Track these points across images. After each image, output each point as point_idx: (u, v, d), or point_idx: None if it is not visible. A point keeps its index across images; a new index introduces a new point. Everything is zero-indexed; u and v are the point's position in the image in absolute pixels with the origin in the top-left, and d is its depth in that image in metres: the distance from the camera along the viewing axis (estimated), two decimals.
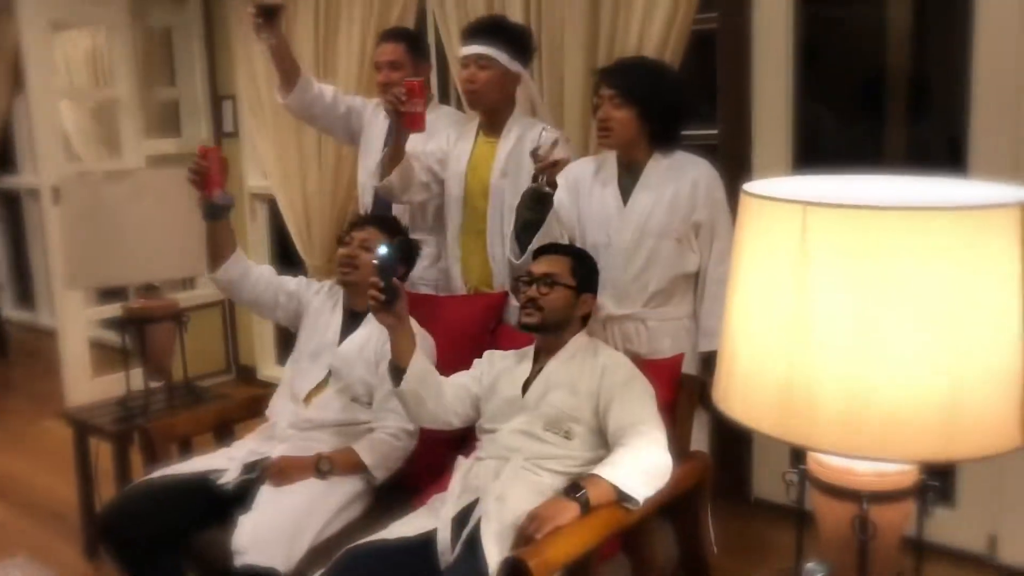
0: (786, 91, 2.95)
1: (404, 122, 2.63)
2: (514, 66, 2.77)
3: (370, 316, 2.49)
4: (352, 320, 2.54)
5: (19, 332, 6.48)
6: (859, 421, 1.17)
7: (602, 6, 3.10)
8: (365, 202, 3.29)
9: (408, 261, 2.60)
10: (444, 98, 3.94)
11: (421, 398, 2.14)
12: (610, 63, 2.65)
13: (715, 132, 3.11)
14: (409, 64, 3.12)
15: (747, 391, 1.29)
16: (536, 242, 2.37)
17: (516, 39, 2.79)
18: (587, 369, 2.15)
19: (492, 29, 2.79)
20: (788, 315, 1.21)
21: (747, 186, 1.33)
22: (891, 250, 1.12)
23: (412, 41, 3.19)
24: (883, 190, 1.35)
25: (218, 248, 2.55)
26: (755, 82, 2.98)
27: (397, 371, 2.11)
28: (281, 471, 2.27)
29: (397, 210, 3.07)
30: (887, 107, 3.16)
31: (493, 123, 2.84)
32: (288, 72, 3.06)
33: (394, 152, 2.76)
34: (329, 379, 2.48)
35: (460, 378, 2.29)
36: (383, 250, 2.04)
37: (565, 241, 2.48)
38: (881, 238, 1.12)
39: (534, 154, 2.30)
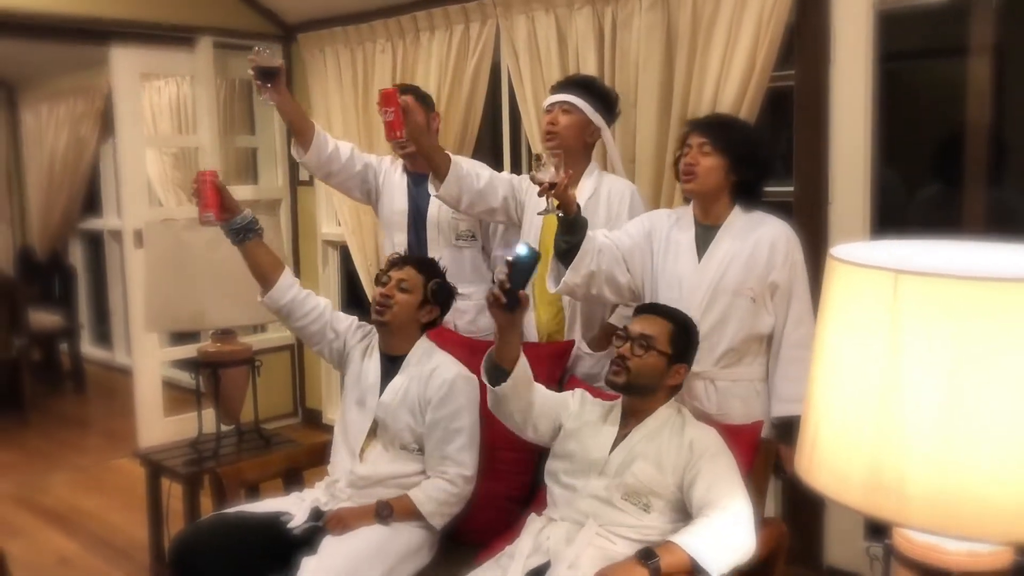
0: (864, 150, 2.90)
1: (385, 132, 2.65)
2: (596, 118, 2.81)
3: (408, 361, 2.51)
4: (390, 365, 2.53)
5: (96, 369, 6.68)
6: (952, 499, 1.13)
7: (677, 62, 3.12)
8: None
9: (444, 305, 2.59)
10: (515, 154, 3.98)
11: (509, 404, 2.16)
12: (699, 117, 2.68)
13: (790, 189, 3.07)
14: (420, 112, 3.17)
15: (833, 463, 1.25)
16: (571, 272, 2.38)
17: (601, 94, 2.87)
18: (674, 444, 2.09)
19: (580, 82, 2.89)
20: (877, 387, 1.17)
21: (834, 250, 1.31)
22: (988, 322, 1.08)
23: (418, 92, 3.27)
24: (975, 257, 1.31)
25: (257, 271, 2.53)
26: (832, 141, 2.95)
27: (496, 371, 2.11)
28: (341, 520, 2.29)
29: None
30: (966, 168, 3.09)
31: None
32: (301, 130, 3.01)
33: (429, 165, 2.78)
34: (377, 430, 2.48)
35: (555, 402, 2.25)
36: (523, 250, 1.96)
37: (622, 280, 2.47)
38: (978, 310, 1.09)
39: (532, 179, 2.32)
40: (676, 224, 2.52)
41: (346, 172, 3.19)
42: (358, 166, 3.22)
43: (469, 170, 2.84)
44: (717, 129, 2.44)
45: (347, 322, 2.65)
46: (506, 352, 2.10)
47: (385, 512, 2.32)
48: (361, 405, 2.51)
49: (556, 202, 2.33)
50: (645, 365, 2.12)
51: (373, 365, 2.55)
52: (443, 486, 2.37)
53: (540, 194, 2.32)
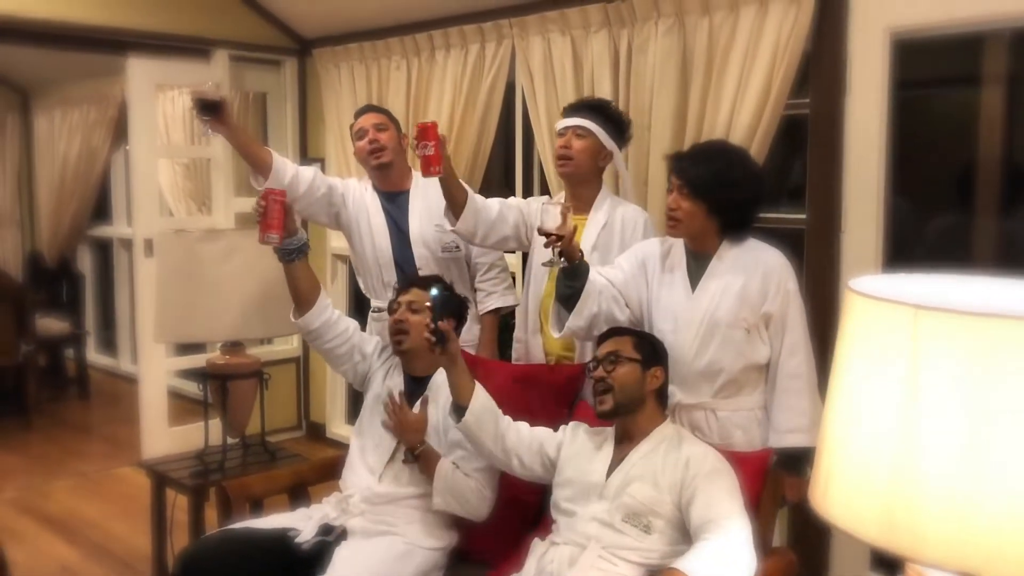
0: (879, 179, 2.90)
1: (421, 167, 2.60)
2: (609, 143, 2.80)
3: (432, 384, 2.52)
4: (415, 386, 2.55)
5: (101, 376, 6.68)
6: (968, 537, 1.12)
7: (692, 87, 3.13)
8: (372, 283, 3.27)
9: (457, 315, 2.58)
10: (527, 174, 3.99)
11: (479, 437, 2.21)
12: (683, 149, 2.60)
13: (803, 217, 3.07)
14: (392, 126, 3.19)
15: (848, 497, 1.25)
16: (574, 316, 2.39)
17: (614, 119, 2.85)
18: (670, 461, 2.10)
19: (593, 106, 2.87)
20: (894, 422, 1.17)
21: (852, 283, 1.31)
22: (1010, 361, 1.08)
23: (388, 112, 3.29)
24: (996, 293, 1.31)
25: (297, 291, 2.55)
26: (846, 169, 2.95)
27: (458, 408, 2.20)
28: (401, 422, 2.38)
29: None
30: (979, 198, 3.09)
31: (580, 199, 2.83)
32: (256, 159, 2.93)
33: (446, 198, 2.76)
34: (399, 451, 2.47)
35: (538, 432, 2.31)
36: (433, 292, 2.32)
37: (620, 317, 2.46)
38: (1000, 347, 1.09)
39: (539, 231, 2.34)
40: (669, 254, 2.50)
41: (310, 197, 3.09)
42: (321, 190, 3.13)
43: (483, 202, 2.83)
44: (694, 170, 2.34)
45: (372, 344, 2.68)
46: (459, 387, 2.19)
47: (409, 458, 2.40)
48: (385, 425, 2.51)
49: (559, 253, 2.34)
50: (622, 376, 2.17)
51: (397, 387, 2.55)
52: (470, 484, 2.35)
53: (546, 246, 2.33)
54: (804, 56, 2.94)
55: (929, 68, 3.30)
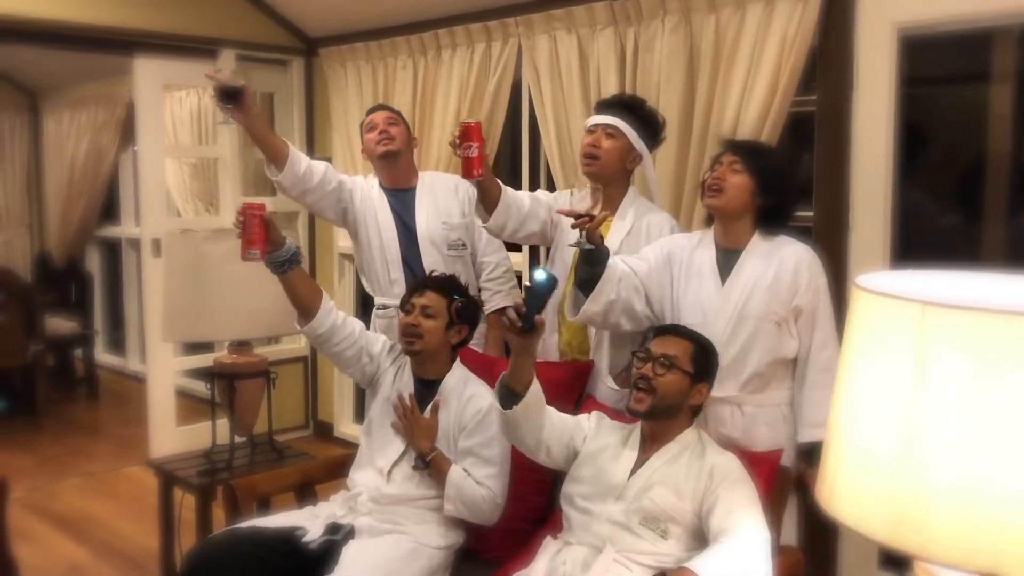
0: (886, 176, 2.89)
1: (463, 169, 2.47)
2: (639, 145, 2.71)
3: (444, 386, 2.51)
4: (425, 389, 2.52)
5: (109, 376, 6.70)
6: (977, 534, 1.12)
7: (698, 85, 3.12)
8: (378, 280, 3.26)
9: (472, 322, 2.58)
10: (534, 172, 3.99)
11: (522, 426, 2.15)
12: (735, 138, 2.68)
13: (810, 215, 3.06)
14: (403, 124, 3.20)
15: (855, 494, 1.24)
16: (590, 302, 2.37)
17: (648, 120, 2.76)
18: (694, 470, 2.08)
19: (628, 105, 2.78)
20: (901, 419, 1.16)
21: (859, 279, 1.30)
22: (1018, 357, 1.08)
23: (400, 112, 3.29)
24: (1004, 290, 1.30)
25: (298, 300, 2.50)
26: (854, 166, 2.94)
27: (509, 393, 2.11)
28: (412, 426, 2.42)
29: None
30: (987, 196, 3.07)
31: (605, 200, 2.68)
32: (273, 149, 2.91)
33: (479, 194, 2.68)
34: (408, 453, 2.47)
35: (568, 423, 2.25)
36: (540, 276, 1.97)
37: (638, 308, 2.45)
38: (1008, 344, 1.08)
39: (567, 212, 2.33)
40: (696, 248, 2.49)
41: (321, 190, 3.09)
42: (332, 183, 3.12)
43: (515, 197, 2.75)
44: (750, 150, 2.44)
45: (379, 344, 2.65)
46: (520, 375, 2.10)
47: (420, 465, 2.39)
48: (395, 427, 2.50)
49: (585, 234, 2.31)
50: (668, 384, 2.12)
51: (407, 389, 2.53)
52: (481, 492, 2.35)
53: (574, 226, 2.30)
54: (811, 52, 2.93)
55: (937, 65, 3.28)
